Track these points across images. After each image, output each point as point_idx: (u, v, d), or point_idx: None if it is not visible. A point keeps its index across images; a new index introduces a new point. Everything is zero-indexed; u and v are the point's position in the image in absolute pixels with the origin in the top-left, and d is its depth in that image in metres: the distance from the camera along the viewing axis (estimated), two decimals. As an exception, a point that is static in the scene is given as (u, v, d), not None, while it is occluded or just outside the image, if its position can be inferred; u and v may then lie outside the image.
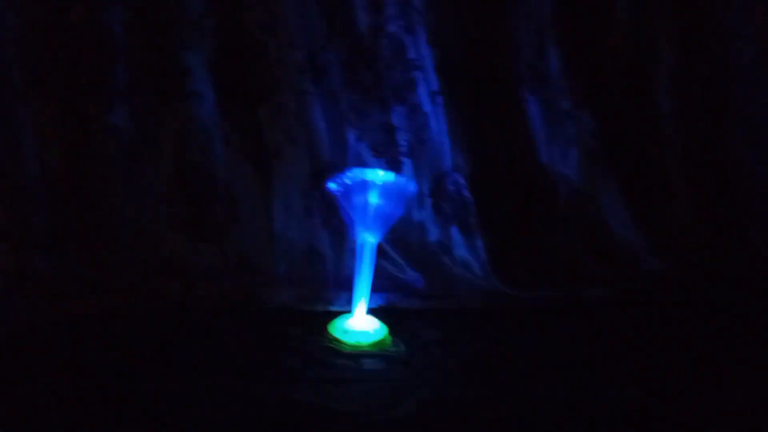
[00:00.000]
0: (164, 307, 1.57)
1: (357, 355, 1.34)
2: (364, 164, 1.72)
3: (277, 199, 1.74)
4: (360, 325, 1.44)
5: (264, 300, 1.63)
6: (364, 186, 1.42)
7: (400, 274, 1.76)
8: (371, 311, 1.53)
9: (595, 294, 1.68)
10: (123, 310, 1.55)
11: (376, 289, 1.57)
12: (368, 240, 1.44)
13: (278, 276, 1.73)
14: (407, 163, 1.74)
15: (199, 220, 1.73)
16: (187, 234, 1.72)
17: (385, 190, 1.42)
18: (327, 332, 1.44)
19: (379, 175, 1.44)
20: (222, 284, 1.69)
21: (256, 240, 1.75)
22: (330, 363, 1.30)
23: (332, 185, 1.43)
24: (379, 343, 1.41)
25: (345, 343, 1.39)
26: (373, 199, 1.42)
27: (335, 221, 1.66)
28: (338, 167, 1.71)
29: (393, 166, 1.74)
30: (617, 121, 1.79)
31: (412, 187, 1.44)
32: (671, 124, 1.83)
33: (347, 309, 1.56)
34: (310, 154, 1.72)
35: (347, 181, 1.43)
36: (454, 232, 1.76)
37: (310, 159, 1.72)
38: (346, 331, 1.42)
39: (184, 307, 1.58)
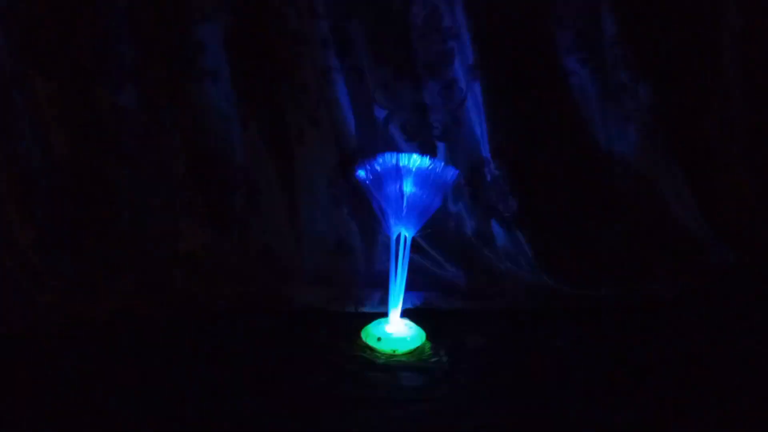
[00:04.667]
0: (178, 307, 1.42)
1: (393, 367, 1.18)
2: (394, 148, 1.55)
3: (301, 188, 1.58)
4: (395, 330, 1.28)
5: (287, 300, 1.48)
6: (397, 173, 1.25)
7: (437, 270, 1.59)
8: (407, 313, 1.37)
9: (658, 290, 1.48)
10: (135, 311, 1.41)
11: (411, 287, 1.41)
12: (403, 233, 1.27)
13: (304, 273, 1.58)
14: (441, 147, 1.56)
15: (217, 211, 1.57)
16: (204, 227, 1.57)
17: (421, 177, 1.24)
18: (358, 338, 1.28)
19: (414, 161, 1.26)
20: (241, 282, 1.54)
21: (279, 233, 1.59)
22: (362, 377, 1.14)
23: (361, 172, 1.26)
24: (417, 352, 1.25)
25: (379, 352, 1.23)
26: (408, 187, 1.24)
27: (365, 212, 1.49)
28: (367, 152, 1.55)
29: (426, 150, 1.56)
30: (680, 95, 1.58)
31: (451, 173, 1.26)
32: (737, 97, 1.61)
33: (380, 310, 1.40)
34: (335, 138, 1.55)
35: (377, 168, 1.25)
36: (496, 223, 1.57)
37: (335, 143, 1.55)
38: (380, 338, 1.26)
39: (199, 307, 1.44)
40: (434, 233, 1.45)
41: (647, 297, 1.47)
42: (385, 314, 1.33)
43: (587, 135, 1.60)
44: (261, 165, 1.56)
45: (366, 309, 1.45)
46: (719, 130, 1.59)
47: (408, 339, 1.25)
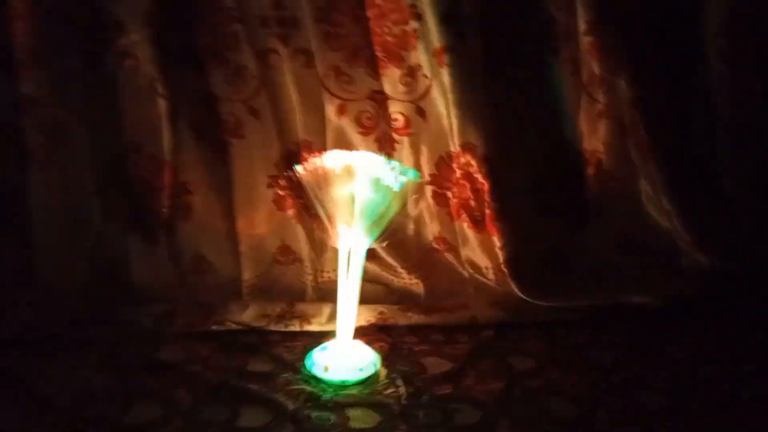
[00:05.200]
0: (93, 329, 1.21)
1: (341, 404, 1.00)
2: (347, 143, 1.36)
3: (238, 188, 1.38)
4: (345, 355, 1.10)
5: (222, 318, 1.27)
6: (348, 174, 1.07)
7: (394, 279, 1.42)
8: (360, 331, 1.19)
9: (637, 300, 1.34)
10: (42, 332, 1.19)
11: (365, 300, 1.24)
12: (355, 244, 1.09)
13: (241, 286, 1.38)
14: (404, 143, 1.38)
15: (140, 216, 1.36)
16: (126, 233, 1.36)
17: (377, 179, 1.06)
18: (301, 368, 1.10)
19: (369, 160, 1.08)
20: (169, 297, 1.34)
21: (213, 239, 1.39)
22: (304, 418, 0.96)
23: (304, 172, 1.08)
24: (370, 381, 1.07)
25: (326, 385, 1.05)
26: (361, 192, 1.06)
27: (313, 215, 1.31)
28: (314, 147, 1.36)
29: (385, 145, 1.38)
30: (660, 90, 1.43)
31: (412, 175, 1.08)
32: (722, 91, 1.48)
33: (329, 329, 1.22)
34: (277, 130, 1.36)
35: (325, 167, 1.07)
36: (462, 226, 1.41)
37: (278, 136, 1.36)
38: (327, 366, 1.07)
39: (115, 329, 1.22)
40: (391, 238, 1.27)
41: (622, 307, 1.33)
42: (333, 334, 1.14)
43: (561, 131, 1.44)
44: (191, 161, 1.36)
45: (312, 327, 1.27)
46: (701, 128, 1.46)
47: (360, 367, 1.07)
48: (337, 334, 1.12)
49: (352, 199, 1.06)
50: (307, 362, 1.10)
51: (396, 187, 1.05)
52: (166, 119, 1.32)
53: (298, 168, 1.08)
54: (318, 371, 1.07)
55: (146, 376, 1.05)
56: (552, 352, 1.18)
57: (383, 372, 1.09)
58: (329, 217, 1.08)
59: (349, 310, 1.11)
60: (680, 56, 1.44)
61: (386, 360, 1.13)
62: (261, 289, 1.40)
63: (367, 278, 1.26)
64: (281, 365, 1.12)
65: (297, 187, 1.23)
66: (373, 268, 1.40)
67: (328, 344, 1.13)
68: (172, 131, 1.33)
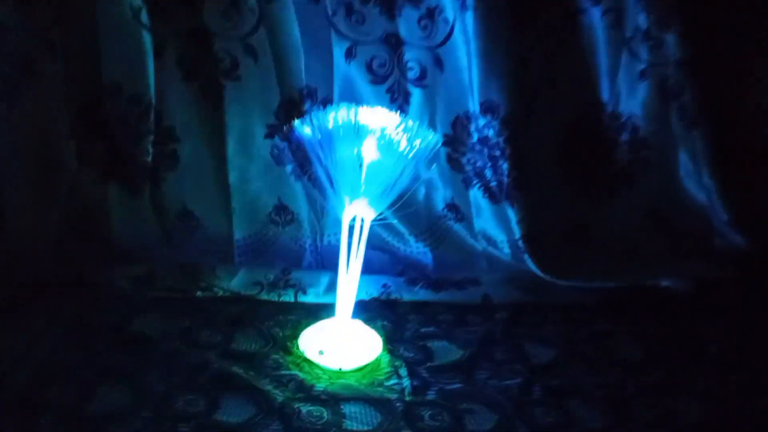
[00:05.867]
0: (61, 293, 1.08)
1: (336, 397, 0.88)
2: (355, 93, 1.20)
3: (232, 137, 1.23)
4: (344, 336, 0.98)
5: (208, 283, 1.15)
6: (355, 132, 0.92)
7: (400, 246, 1.29)
8: (360, 306, 1.07)
9: (667, 283, 1.22)
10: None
11: (367, 270, 1.11)
12: (360, 215, 0.95)
13: (232, 246, 1.25)
14: (417, 96, 1.22)
15: (121, 163, 1.21)
16: (105, 182, 1.22)
17: (388, 139, 0.91)
18: (293, 349, 0.98)
19: (380, 116, 0.93)
20: (151, 256, 1.21)
21: (202, 193, 1.25)
22: (292, 413, 0.84)
23: (303, 128, 0.93)
24: (371, 368, 0.95)
25: (320, 371, 0.93)
26: (369, 153, 0.92)
27: (314, 180, 1.17)
28: (319, 96, 1.20)
29: (397, 97, 1.22)
30: (714, 49, 1.26)
31: (431, 137, 0.93)
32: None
33: (326, 301, 1.10)
34: (278, 73, 1.19)
35: (327, 124, 0.92)
36: (478, 195, 1.27)
37: (278, 80, 1.19)
38: (322, 349, 0.95)
39: (86, 294, 1.10)
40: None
41: (655, 290, 1.21)
42: (332, 307, 1.02)
43: (594, 91, 1.28)
44: (179, 105, 1.20)
45: (308, 298, 1.15)
46: (759, 97, 1.29)
47: (359, 351, 0.95)
48: (336, 311, 0.99)
49: (360, 163, 0.92)
50: (301, 342, 0.98)
51: (411, 153, 0.90)
52: (152, 56, 1.16)
53: (298, 123, 0.93)
54: (312, 354, 0.95)
55: (116, 353, 0.93)
56: (573, 343, 1.06)
57: (385, 359, 0.97)
58: (331, 182, 0.93)
59: (349, 287, 0.98)
60: (743, 11, 1.26)
61: (389, 343, 1.01)
62: (254, 251, 1.27)
63: (371, 245, 1.13)
64: (271, 344, 1.00)
65: (298, 141, 1.08)
66: (377, 232, 1.27)
67: (325, 323, 1.01)
68: (157, 69, 1.17)
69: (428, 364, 0.97)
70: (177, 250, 1.24)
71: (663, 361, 1.02)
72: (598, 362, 1.00)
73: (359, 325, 1.01)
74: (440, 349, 1.01)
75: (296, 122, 0.93)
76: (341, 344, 0.95)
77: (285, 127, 1.10)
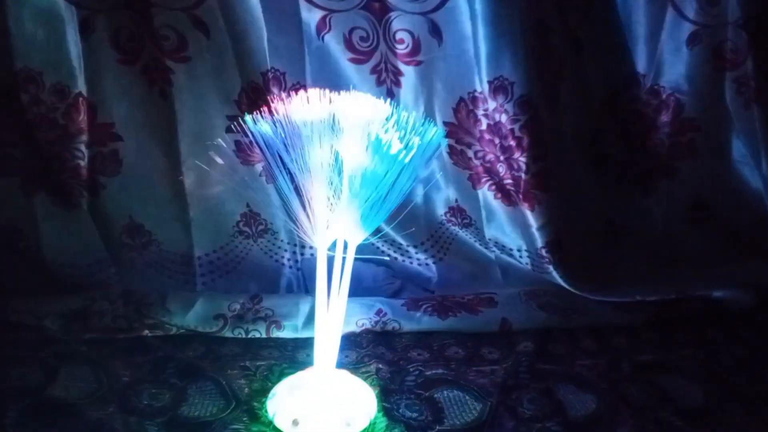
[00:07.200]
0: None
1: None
2: (331, 75, 0.96)
3: (184, 132, 0.99)
4: (325, 397, 0.75)
5: (159, 320, 0.92)
6: (332, 127, 0.68)
7: (396, 258, 1.07)
8: (349, 341, 0.85)
9: (721, 294, 0.99)
10: None
11: (356, 291, 0.89)
12: (342, 239, 0.72)
13: (192, 266, 1.03)
14: (410, 75, 0.98)
15: (50, 171, 0.98)
16: (30, 195, 0.98)
17: (379, 139, 0.67)
18: (261, 412, 0.75)
19: (366, 106, 0.69)
20: (91, 283, 0.99)
21: (153, 202, 1.02)
22: None
23: (260, 124, 0.69)
24: (363, 441, 0.73)
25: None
26: (353, 156, 0.68)
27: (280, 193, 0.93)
28: (288, 80, 0.97)
29: (385, 79, 0.98)
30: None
31: (432, 131, 0.70)
32: None
33: (306, 335, 0.88)
34: (237, 54, 0.95)
35: (293, 117, 0.68)
36: (488, 196, 1.04)
37: (238, 63, 0.96)
38: (296, 419, 0.72)
39: (12, 333, 0.88)
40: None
41: (701, 303, 0.99)
42: (311, 345, 0.79)
43: (631, 62, 1.04)
44: (116, 95, 0.97)
45: (284, 333, 0.92)
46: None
47: (347, 419, 0.72)
48: (315, 361, 0.76)
49: (339, 170, 0.68)
50: (269, 406, 0.75)
51: (406, 152, 0.67)
52: (77, 35, 0.92)
53: (250, 118, 0.69)
54: (284, 425, 0.72)
55: (25, 428, 0.70)
56: (618, 383, 0.84)
57: (381, 424, 0.74)
58: (300, 196, 0.70)
59: (331, 331, 0.75)
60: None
61: (385, 399, 0.79)
62: (219, 269, 1.05)
63: (360, 257, 0.90)
64: (233, 405, 0.77)
65: (254, 141, 0.84)
66: (369, 242, 1.04)
67: (301, 378, 0.78)
68: (85, 52, 0.93)
69: (437, 428, 0.75)
70: (123, 274, 1.02)
71: (727, 403, 0.80)
72: (648, 412, 0.78)
73: (345, 377, 0.79)
74: (452, 403, 0.79)
75: (248, 117, 0.69)
76: (321, 409, 0.72)
77: (234, 124, 0.85)
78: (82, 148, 0.98)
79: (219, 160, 0.88)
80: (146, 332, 0.91)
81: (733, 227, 1.12)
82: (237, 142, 1.01)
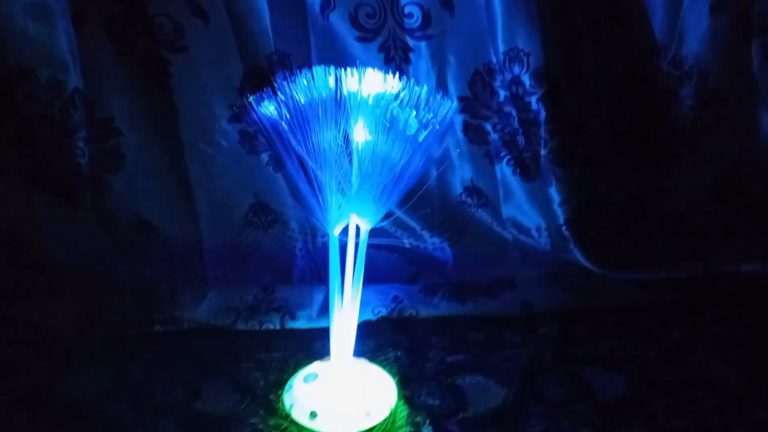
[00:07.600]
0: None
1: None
2: (337, 54, 0.92)
3: (186, 123, 0.96)
4: (343, 388, 0.72)
5: (170, 314, 0.90)
6: (338, 105, 0.65)
7: (413, 243, 1.04)
8: (366, 329, 0.82)
9: (750, 268, 0.96)
10: None
11: (373, 277, 0.86)
12: (354, 224, 0.69)
13: (203, 260, 1.00)
14: (422, 50, 0.94)
15: (48, 168, 0.95)
16: (31, 195, 0.96)
17: (387, 113, 0.64)
18: (278, 405, 0.73)
19: (371, 80, 0.66)
20: (98, 282, 0.96)
21: (158, 197, 0.99)
22: None
23: (265, 106, 0.66)
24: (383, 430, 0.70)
25: (314, 441, 0.68)
26: (361, 134, 0.65)
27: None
28: (292, 61, 0.93)
29: (394, 56, 0.95)
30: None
31: (445, 106, 0.66)
32: None
33: (321, 325, 0.85)
34: (238, 39, 0.92)
35: (299, 98, 0.65)
36: (506, 172, 1.00)
37: (239, 48, 0.92)
38: (314, 409, 0.70)
39: (19, 334, 0.86)
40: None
41: (729, 278, 0.95)
42: (328, 335, 0.76)
43: (652, 30, 0.99)
44: (113, 88, 0.93)
45: (299, 323, 0.90)
46: None
47: (366, 410, 0.70)
48: (331, 351, 0.74)
49: (348, 151, 0.65)
50: (286, 398, 0.72)
51: (420, 132, 0.63)
52: (72, 26, 0.88)
53: (255, 100, 0.66)
54: (301, 416, 0.69)
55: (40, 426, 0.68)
56: (646, 366, 0.80)
57: (402, 413, 0.72)
58: (309, 180, 0.67)
59: (347, 320, 0.72)
60: None
61: (405, 387, 0.76)
62: (230, 262, 1.02)
63: (375, 243, 0.86)
64: (248, 398, 0.74)
65: (259, 125, 0.81)
66: (382, 226, 1.01)
67: (318, 368, 0.75)
68: (80, 43, 0.90)
69: (461, 415, 0.72)
70: (132, 272, 0.99)
71: (764, 382, 0.76)
72: (683, 392, 0.75)
73: (363, 366, 0.76)
74: (474, 389, 0.76)
75: (252, 99, 0.66)
76: (340, 400, 0.70)
77: (235, 108, 0.82)
78: (82, 145, 0.95)
79: (224, 143, 0.85)
80: (157, 327, 0.88)
81: (760, 200, 1.07)
82: (241, 132, 0.98)
